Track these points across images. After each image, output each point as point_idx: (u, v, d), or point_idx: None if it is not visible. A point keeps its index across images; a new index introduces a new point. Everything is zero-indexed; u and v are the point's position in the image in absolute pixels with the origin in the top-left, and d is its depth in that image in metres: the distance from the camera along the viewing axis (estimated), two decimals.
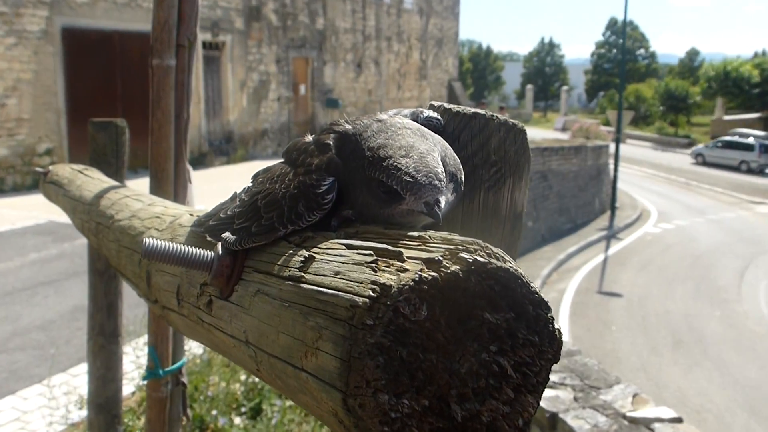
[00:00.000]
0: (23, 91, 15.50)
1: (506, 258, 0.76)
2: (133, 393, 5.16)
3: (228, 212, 1.10)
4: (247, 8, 21.53)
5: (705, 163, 37.43)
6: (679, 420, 4.59)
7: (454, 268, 0.71)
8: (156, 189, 2.41)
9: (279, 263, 0.90)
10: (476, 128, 1.07)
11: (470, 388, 0.73)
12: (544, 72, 69.70)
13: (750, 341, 12.07)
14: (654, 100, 52.10)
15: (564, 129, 43.95)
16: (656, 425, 4.47)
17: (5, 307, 7.70)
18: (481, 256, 0.73)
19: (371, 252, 0.76)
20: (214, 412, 4.66)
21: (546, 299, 0.77)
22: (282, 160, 1.08)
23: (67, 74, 16.28)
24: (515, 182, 1.09)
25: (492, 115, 1.07)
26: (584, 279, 15.65)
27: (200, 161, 19.11)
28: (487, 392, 0.74)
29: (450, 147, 0.99)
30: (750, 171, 35.64)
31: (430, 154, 0.90)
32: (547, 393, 5.33)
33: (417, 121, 1.05)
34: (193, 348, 5.57)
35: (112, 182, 2.54)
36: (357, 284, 0.73)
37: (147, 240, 1.02)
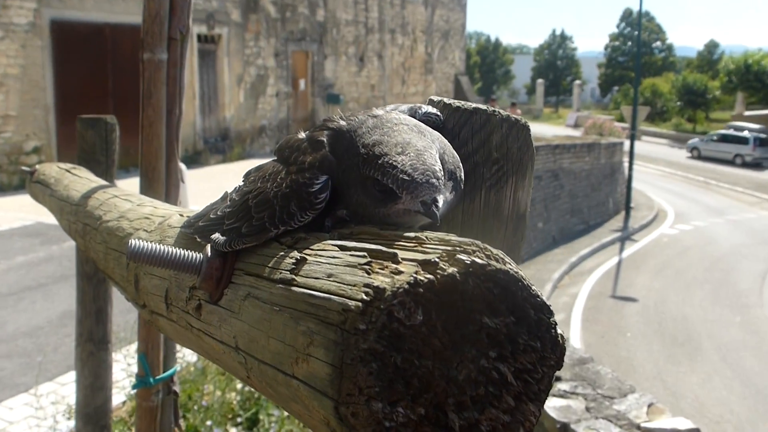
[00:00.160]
0: (10, 86, 15.55)
1: (506, 260, 0.76)
2: (124, 403, 5.17)
3: (218, 212, 1.10)
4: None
5: (700, 157, 38.30)
6: (696, 431, 4.58)
7: (451, 270, 0.72)
8: (146, 189, 2.41)
9: (270, 265, 0.90)
10: (477, 124, 1.08)
11: (468, 396, 0.73)
12: (556, 65, 69.66)
13: None
14: (671, 95, 52.01)
15: (576, 125, 43.92)
16: None
17: None
18: (479, 258, 0.74)
19: (365, 253, 0.76)
20: (208, 423, 4.66)
21: (548, 303, 0.78)
22: (274, 158, 1.08)
23: (56, 69, 16.32)
24: (518, 181, 1.09)
25: (494, 111, 1.08)
26: (597, 283, 15.64)
27: (195, 160, 19.14)
28: (486, 400, 0.74)
29: (449, 144, 0.99)
30: (745, 164, 36.39)
31: (428, 151, 0.90)
32: (558, 403, 5.33)
33: (415, 117, 1.05)
34: (187, 355, 5.58)
35: (101, 182, 2.54)
36: (350, 287, 0.73)
37: (133, 241, 1.02)
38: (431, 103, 1.13)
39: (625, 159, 23.70)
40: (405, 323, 0.70)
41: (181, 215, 1.45)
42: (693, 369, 11.08)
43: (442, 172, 0.90)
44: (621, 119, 36.76)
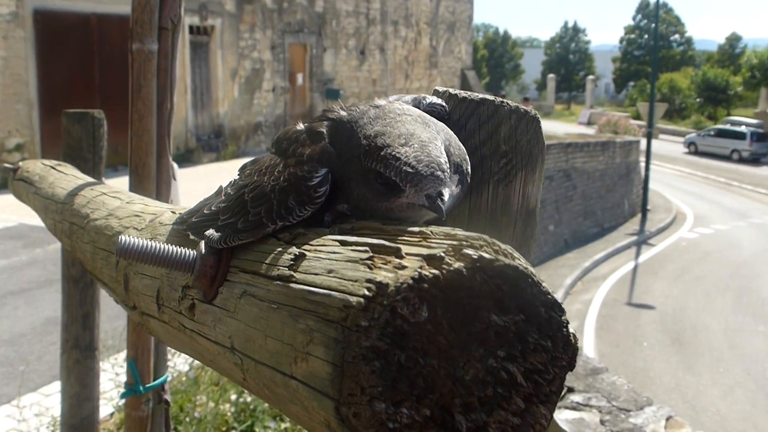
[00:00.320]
0: None
1: (515, 255, 0.77)
2: (112, 414, 5.17)
3: (212, 208, 1.11)
4: None
5: (697, 152, 38.98)
6: None
7: (457, 265, 0.72)
8: (136, 186, 2.42)
9: (267, 262, 0.91)
10: (484, 116, 1.08)
11: (476, 396, 0.73)
12: (568, 60, 69.66)
13: None
14: (690, 91, 51.99)
15: (590, 123, 43.94)
16: None
17: None
18: (487, 253, 0.74)
19: (367, 248, 0.77)
20: None
21: (559, 300, 0.78)
22: (272, 150, 1.09)
23: (40, 62, 16.35)
24: (528, 175, 1.10)
25: (502, 101, 1.08)
26: (612, 289, 15.63)
27: (187, 158, 19.17)
28: (494, 402, 0.74)
29: (455, 136, 0.99)
30: (741, 160, 37.21)
31: (433, 142, 0.91)
32: (571, 415, 5.33)
33: (419, 108, 1.06)
34: (178, 364, 5.58)
35: (88, 179, 2.55)
36: (351, 283, 0.73)
37: (123, 237, 1.03)
38: (436, 93, 1.14)
39: (642, 158, 23.69)
40: (409, 320, 0.70)
41: (173, 212, 1.46)
42: (714, 381, 11.07)
43: (448, 165, 0.90)
44: (637, 116, 36.77)
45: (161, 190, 2.52)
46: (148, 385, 2.47)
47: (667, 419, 5.01)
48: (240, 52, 21.86)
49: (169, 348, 2.79)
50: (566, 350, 0.78)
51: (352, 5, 26.49)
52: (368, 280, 0.72)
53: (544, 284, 0.77)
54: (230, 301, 0.97)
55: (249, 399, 5.02)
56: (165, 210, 1.55)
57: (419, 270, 0.71)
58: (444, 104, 1.11)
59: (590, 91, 55.79)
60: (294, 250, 0.88)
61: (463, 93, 1.11)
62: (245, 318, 0.92)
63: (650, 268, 17.40)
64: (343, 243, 0.82)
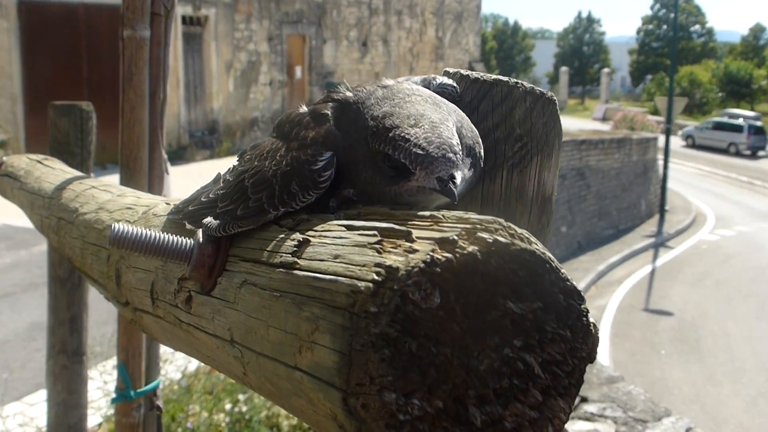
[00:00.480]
0: None
1: (532, 240, 0.77)
2: (100, 425, 5.18)
3: (210, 195, 1.11)
4: None
5: (694, 146, 39.63)
6: None
7: (471, 248, 0.72)
8: (127, 180, 2.42)
9: (269, 249, 0.91)
10: (498, 97, 1.08)
11: (491, 388, 0.73)
12: (582, 52, 69.64)
13: None
14: (711, 85, 51.97)
15: (605, 118, 43.94)
16: None
17: None
18: (502, 236, 0.74)
19: (375, 232, 0.77)
20: None
21: (578, 287, 0.78)
22: (273, 134, 1.09)
23: (24, 54, 16.38)
24: (543, 160, 1.10)
25: (516, 82, 1.08)
26: (628, 294, 15.61)
27: (179, 155, 19.19)
28: (510, 394, 0.74)
29: (467, 118, 1.00)
30: (738, 154, 37.98)
31: (444, 123, 0.91)
32: (585, 426, 5.33)
33: (429, 89, 1.06)
34: (170, 372, 5.59)
35: (77, 173, 2.56)
36: (359, 268, 0.74)
37: (116, 225, 1.03)
38: (447, 74, 1.14)
39: (660, 156, 23.66)
40: (421, 306, 0.70)
41: (168, 204, 1.46)
42: (736, 391, 11.04)
43: (460, 147, 0.90)
44: (655, 112, 36.73)
45: (153, 184, 2.52)
46: (139, 390, 2.47)
47: (687, 431, 5.00)
48: (235, 44, 21.87)
49: (161, 351, 2.79)
50: (586, 340, 0.79)
51: None
52: (377, 265, 0.72)
53: (563, 270, 0.77)
54: (230, 292, 0.98)
55: (244, 409, 5.02)
56: (159, 202, 1.56)
57: (431, 253, 0.71)
58: (455, 85, 1.11)
59: (605, 85, 55.76)
60: (297, 236, 0.88)
61: (475, 73, 1.11)
62: (246, 308, 0.92)
63: (668, 272, 17.37)
64: (349, 228, 0.82)
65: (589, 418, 5.73)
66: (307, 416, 0.83)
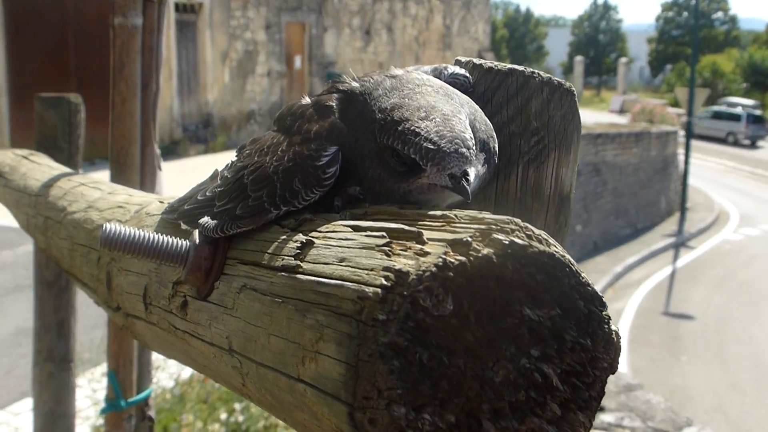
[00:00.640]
0: None
1: (551, 241, 0.76)
2: None
3: (207, 193, 1.11)
4: None
5: (692, 136, 39.52)
6: None
7: (486, 251, 0.72)
8: (118, 177, 2.42)
9: (270, 251, 0.91)
10: (513, 88, 1.08)
11: (507, 401, 0.73)
12: (597, 40, 69.57)
13: None
14: (735, 76, 51.86)
15: (622, 111, 43.88)
16: None
17: None
18: (519, 238, 0.74)
19: (384, 233, 0.77)
20: None
21: (600, 293, 0.77)
22: (274, 127, 1.09)
23: (8, 44, 16.40)
24: (561, 155, 1.09)
25: (533, 72, 1.08)
26: (647, 297, 15.59)
27: (172, 150, 19.19)
28: (527, 408, 0.74)
29: (480, 110, 0.99)
30: (737, 144, 38.39)
31: (456, 116, 0.90)
32: None
33: (440, 79, 1.06)
34: (162, 380, 5.59)
35: (65, 169, 2.56)
36: (366, 272, 0.73)
37: (107, 225, 1.03)
38: (458, 63, 1.14)
39: (681, 151, 23.63)
40: (432, 313, 0.70)
41: (161, 202, 1.46)
42: (761, 400, 11.03)
43: (473, 141, 0.90)
44: (675, 104, 36.70)
45: (146, 181, 2.51)
46: (130, 400, 2.46)
47: None
48: (231, 33, 21.88)
49: (153, 359, 2.79)
50: (608, 350, 0.78)
51: None
52: (386, 269, 0.71)
53: (583, 274, 0.76)
54: (228, 297, 0.97)
55: (241, 418, 5.02)
56: (152, 200, 1.55)
57: (443, 256, 0.70)
58: (468, 75, 1.11)
59: (622, 75, 55.68)
60: (300, 237, 0.88)
61: (488, 63, 1.10)
62: (245, 315, 0.91)
63: (690, 274, 17.34)
64: (356, 229, 0.82)
65: (606, 428, 5.73)
66: (310, 431, 0.82)
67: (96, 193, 1.90)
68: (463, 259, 0.71)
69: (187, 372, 5.67)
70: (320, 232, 0.86)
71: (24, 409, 5.78)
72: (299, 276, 0.82)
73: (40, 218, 2.15)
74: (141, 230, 1.05)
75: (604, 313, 0.78)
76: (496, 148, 0.97)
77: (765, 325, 14.11)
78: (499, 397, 0.72)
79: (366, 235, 0.79)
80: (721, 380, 11.62)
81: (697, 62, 35.37)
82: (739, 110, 39.87)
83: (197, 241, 1.03)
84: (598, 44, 69.26)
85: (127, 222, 1.48)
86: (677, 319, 14.36)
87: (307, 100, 1.06)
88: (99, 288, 1.53)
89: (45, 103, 3.09)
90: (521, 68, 1.08)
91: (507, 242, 0.73)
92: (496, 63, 1.10)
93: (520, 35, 72.02)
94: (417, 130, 0.88)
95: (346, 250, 0.79)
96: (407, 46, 29.48)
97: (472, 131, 0.91)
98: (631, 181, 21.08)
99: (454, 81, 1.07)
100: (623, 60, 57.25)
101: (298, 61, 24.53)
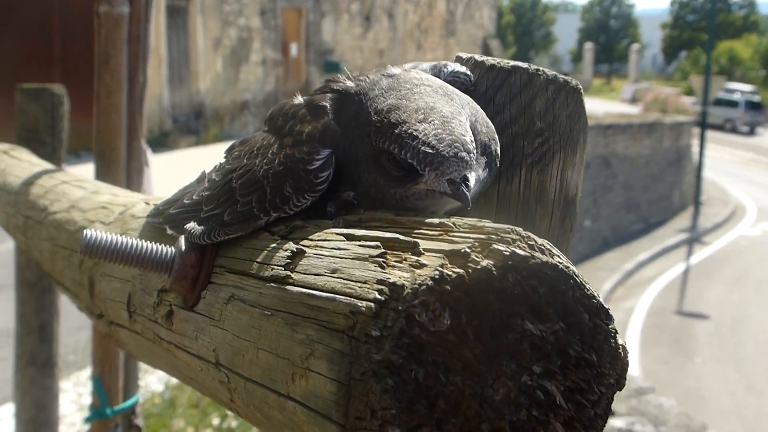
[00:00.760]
0: None
1: (554, 251, 0.76)
2: None
3: (194, 197, 1.10)
4: None
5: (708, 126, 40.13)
6: None
7: (485, 263, 0.71)
8: (103, 173, 2.42)
9: (259, 260, 0.90)
10: (516, 87, 1.07)
11: (507, 421, 0.72)
12: (608, 26, 69.55)
13: None
14: (753, 62, 51.83)
15: (634, 100, 43.91)
16: None
17: None
18: (520, 248, 0.73)
19: (378, 243, 0.76)
20: None
21: (606, 305, 0.77)
22: (265, 128, 1.08)
23: None
24: (567, 157, 1.09)
25: (537, 69, 1.07)
26: (659, 295, 15.61)
27: (162, 142, 19.19)
28: (529, 427, 0.73)
29: (482, 111, 0.99)
30: (734, 131, 38.82)
31: (456, 118, 0.90)
32: None
33: (440, 78, 1.05)
34: (152, 384, 5.59)
35: (47, 165, 2.55)
36: (359, 285, 0.73)
37: (88, 231, 1.02)
38: (459, 60, 1.13)
39: (695, 142, 23.63)
40: (428, 329, 0.69)
41: (147, 203, 1.46)
42: None
43: (474, 144, 0.89)
44: (690, 92, 36.73)
45: (132, 178, 2.51)
46: (116, 408, 2.46)
47: None
48: (224, 18, 21.86)
49: (141, 364, 2.78)
50: (614, 365, 0.78)
51: None
52: (380, 281, 0.71)
53: (588, 286, 0.76)
54: (215, 308, 0.97)
55: (234, 424, 5.03)
56: (137, 201, 1.55)
57: (440, 269, 0.70)
58: (468, 73, 1.10)
59: (634, 62, 55.66)
60: (291, 246, 0.87)
61: (490, 60, 1.10)
62: (233, 327, 0.91)
63: (704, 271, 17.36)
64: (349, 237, 0.82)
65: None
66: None
67: (79, 192, 1.89)
68: (461, 271, 0.70)
69: None
70: (312, 240, 0.86)
71: (5, 415, 5.78)
72: (289, 287, 0.82)
73: (21, 218, 2.14)
74: (123, 236, 1.04)
75: (610, 326, 0.77)
76: (498, 151, 0.97)
77: None
78: (500, 417, 0.72)
79: (360, 245, 0.78)
80: (737, 382, 11.63)
81: (713, 49, 35.33)
82: (736, 96, 40.12)
83: (183, 247, 1.03)
84: (608, 30, 69.22)
85: (111, 224, 1.48)
86: (691, 319, 14.37)
87: (299, 99, 1.05)
88: (81, 294, 1.52)
89: (27, 94, 3.08)
90: (525, 65, 1.08)
91: (508, 253, 0.72)
92: (498, 60, 1.09)
93: (527, 21, 71.95)
94: (414, 133, 0.87)
95: (339, 261, 0.78)
96: (409, 33, 29.46)
97: (473, 134, 0.91)
98: (643, 173, 21.09)
99: (454, 80, 1.07)
100: (635, 47, 57.24)
101: (294, 49, 24.51)
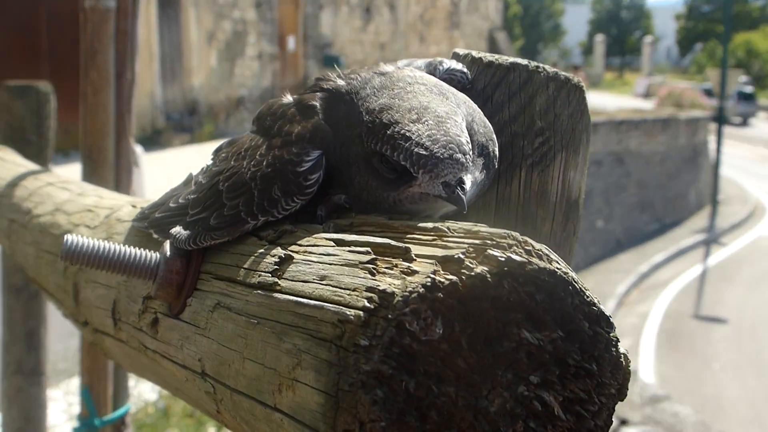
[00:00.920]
0: None
1: (552, 257, 0.76)
2: None
3: (180, 200, 1.10)
4: None
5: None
6: None
7: (480, 269, 0.71)
8: (90, 174, 2.42)
9: (246, 266, 0.91)
10: (516, 84, 1.07)
11: None
12: (620, 18, 69.49)
13: None
14: None
15: (648, 95, 43.86)
16: None
17: None
18: (517, 254, 0.73)
19: (368, 249, 0.77)
20: None
21: (607, 313, 0.77)
22: (253, 128, 1.08)
23: None
24: (569, 157, 1.09)
25: (537, 66, 1.07)
26: (675, 299, 15.59)
27: (154, 140, 19.19)
28: None
29: (479, 110, 0.99)
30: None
31: (451, 118, 0.90)
32: None
33: (435, 75, 1.05)
34: (144, 392, 5.60)
35: (32, 166, 2.56)
36: (348, 292, 0.73)
37: (70, 237, 1.03)
38: (456, 57, 1.13)
39: (712, 138, 23.60)
40: (420, 338, 0.69)
41: (134, 206, 1.46)
42: None
43: (470, 146, 0.89)
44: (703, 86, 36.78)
45: (121, 179, 2.52)
46: (105, 418, 2.47)
47: None
48: (218, 11, 21.86)
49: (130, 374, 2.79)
50: (615, 375, 0.78)
51: None
52: (369, 289, 0.71)
53: (588, 293, 0.76)
54: (201, 316, 0.97)
55: None
56: (124, 203, 1.55)
57: (432, 276, 0.70)
58: (465, 70, 1.10)
59: (648, 55, 55.59)
60: (279, 251, 0.88)
61: (488, 56, 1.10)
62: (219, 336, 0.91)
63: (722, 273, 17.33)
64: (339, 243, 0.82)
65: None
66: None
67: (64, 194, 1.90)
68: (454, 278, 0.70)
69: None
70: (300, 245, 0.86)
71: None
72: (276, 295, 0.82)
73: (5, 221, 2.15)
74: (106, 242, 1.05)
75: (611, 334, 0.77)
76: (497, 152, 0.97)
77: None
78: (495, 429, 0.72)
79: (349, 251, 0.78)
80: (757, 389, 11.61)
81: (730, 41, 35.32)
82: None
83: (168, 253, 1.03)
84: (620, 21, 69.14)
85: (96, 228, 1.48)
86: (709, 323, 14.35)
87: (289, 98, 1.05)
88: (66, 300, 1.53)
89: (12, 92, 3.08)
90: (524, 62, 1.08)
91: (503, 259, 0.72)
92: (496, 56, 1.09)
93: (534, 12, 71.87)
94: (407, 134, 0.87)
95: (328, 267, 0.78)
96: (411, 26, 29.44)
97: (470, 134, 0.91)
98: (658, 171, 21.06)
99: (450, 77, 1.07)
100: (648, 39, 57.16)
101: (291, 42, 24.49)
